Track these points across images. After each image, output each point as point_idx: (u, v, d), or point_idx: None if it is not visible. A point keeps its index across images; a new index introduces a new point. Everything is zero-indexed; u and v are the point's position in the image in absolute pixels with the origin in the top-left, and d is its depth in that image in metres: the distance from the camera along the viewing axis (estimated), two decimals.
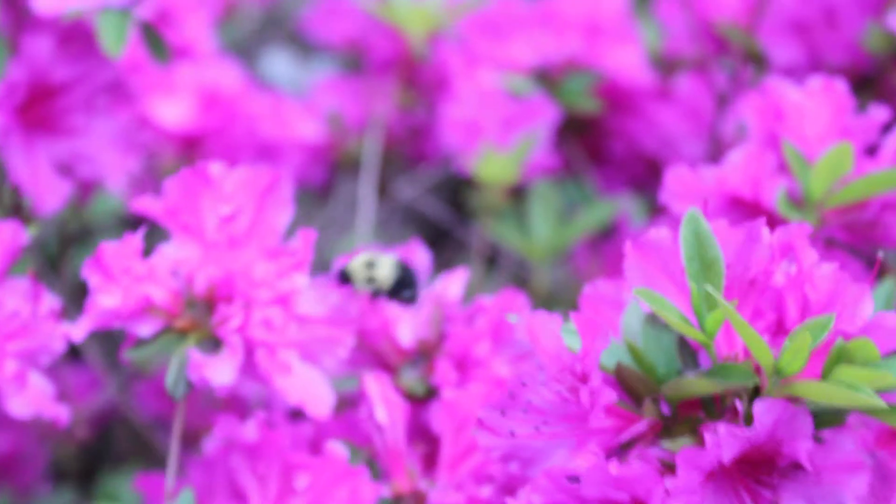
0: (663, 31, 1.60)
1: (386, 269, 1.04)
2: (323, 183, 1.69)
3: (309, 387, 0.97)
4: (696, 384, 0.81)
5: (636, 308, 0.86)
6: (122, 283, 0.96)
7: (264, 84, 1.84)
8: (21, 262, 1.28)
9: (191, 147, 1.63)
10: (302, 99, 1.73)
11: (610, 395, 0.81)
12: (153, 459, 1.47)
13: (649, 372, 0.84)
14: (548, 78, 1.51)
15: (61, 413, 1.04)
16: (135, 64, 1.47)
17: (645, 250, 0.86)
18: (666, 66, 1.58)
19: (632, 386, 0.84)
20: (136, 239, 0.97)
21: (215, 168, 1.00)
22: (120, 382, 1.46)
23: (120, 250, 0.96)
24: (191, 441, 1.33)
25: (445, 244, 1.72)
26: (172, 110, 1.62)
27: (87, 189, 1.49)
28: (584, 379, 0.82)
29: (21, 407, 1.01)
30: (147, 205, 0.99)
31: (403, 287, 1.05)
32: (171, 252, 0.99)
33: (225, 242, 0.98)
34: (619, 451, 0.83)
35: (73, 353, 1.44)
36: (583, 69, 1.51)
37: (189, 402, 0.98)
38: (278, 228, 1.00)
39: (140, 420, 1.43)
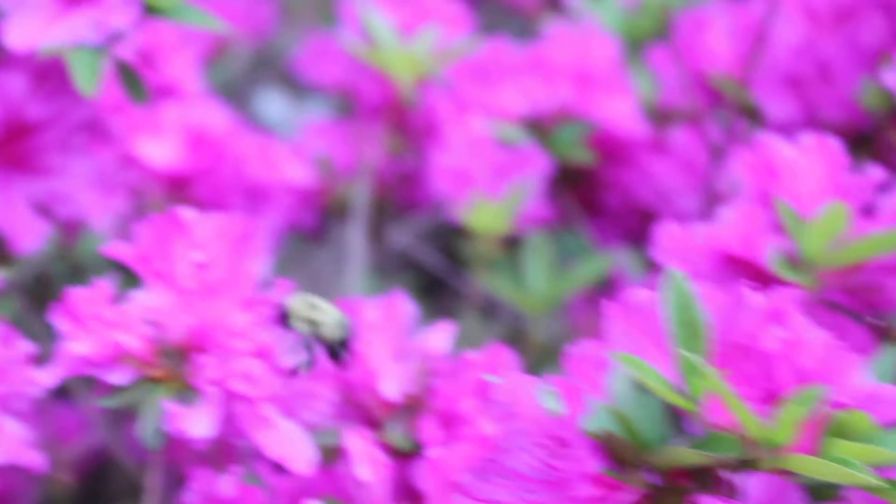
0: (656, 81, 1.58)
1: (331, 317, 1.01)
2: (314, 227, 1.67)
3: (289, 442, 0.95)
4: (684, 455, 0.78)
5: (622, 371, 0.83)
6: (92, 331, 0.93)
7: (257, 125, 1.82)
8: (1, 304, 1.26)
9: (178, 188, 1.61)
10: (292, 141, 1.71)
11: (593, 463, 0.78)
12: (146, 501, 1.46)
13: (636, 439, 0.81)
14: (539, 127, 1.50)
15: (37, 460, 1.01)
16: (118, 103, 1.45)
17: (627, 312, 0.83)
18: (659, 117, 1.57)
19: (618, 453, 0.81)
20: (107, 285, 0.95)
21: (188, 214, 0.97)
22: (109, 423, 1.44)
23: (90, 296, 0.94)
24: (182, 482, 1.31)
25: (440, 292, 1.70)
26: (158, 150, 1.60)
27: (72, 229, 1.48)
28: (566, 445, 0.80)
29: None
30: (118, 250, 0.97)
31: (344, 345, 1.02)
32: (143, 299, 0.96)
33: (199, 290, 0.96)
34: None
35: (63, 393, 1.42)
36: (575, 119, 1.49)
37: (178, 442, 0.96)
38: (253, 277, 0.98)
39: (131, 461, 1.41)
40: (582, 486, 0.79)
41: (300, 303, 1.00)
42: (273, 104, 2.18)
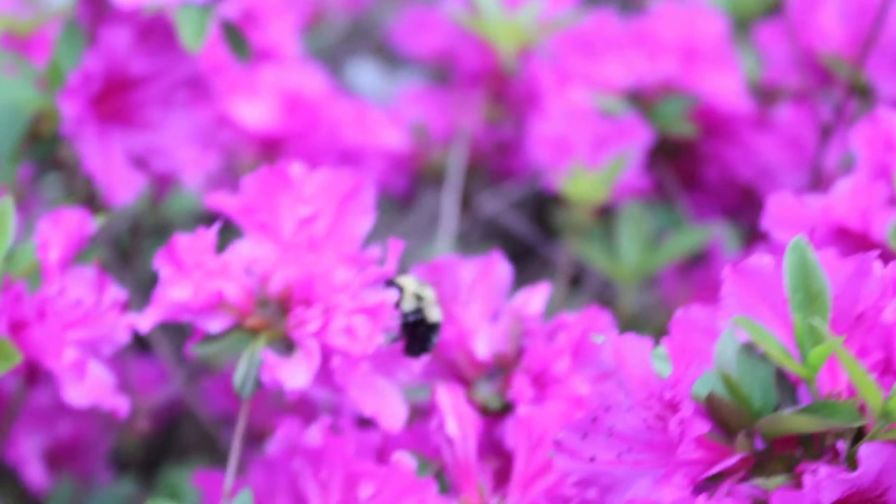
0: (762, 59, 1.56)
1: (434, 311, 0.99)
2: (404, 192, 1.66)
3: (384, 399, 0.94)
4: (796, 421, 0.76)
5: (731, 337, 0.81)
6: (193, 277, 0.92)
7: (349, 93, 1.81)
8: (90, 252, 1.26)
9: (271, 149, 1.61)
10: (387, 108, 1.70)
11: (701, 426, 0.76)
12: (217, 455, 1.45)
13: (744, 404, 0.79)
14: (641, 99, 1.47)
15: (120, 404, 1.01)
16: (217, 63, 1.45)
17: (745, 277, 0.81)
18: (763, 95, 1.54)
19: (724, 418, 0.79)
20: (211, 233, 0.94)
21: (295, 168, 0.97)
22: (187, 376, 1.44)
23: (193, 243, 0.93)
24: (255, 439, 1.31)
25: (528, 261, 1.68)
26: (254, 111, 1.60)
27: (163, 185, 1.47)
28: (673, 407, 0.78)
29: (79, 396, 0.98)
30: (223, 201, 0.96)
31: (427, 340, 0.99)
32: (245, 250, 0.96)
33: (303, 244, 0.94)
34: (707, 485, 0.78)
35: (142, 345, 1.42)
36: (679, 92, 1.46)
37: (255, 400, 0.95)
38: (358, 235, 0.97)
39: (206, 415, 1.40)
40: (687, 449, 0.77)
41: (412, 283, 0.99)
42: (366, 74, 2.16)
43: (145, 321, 0.93)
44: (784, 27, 1.48)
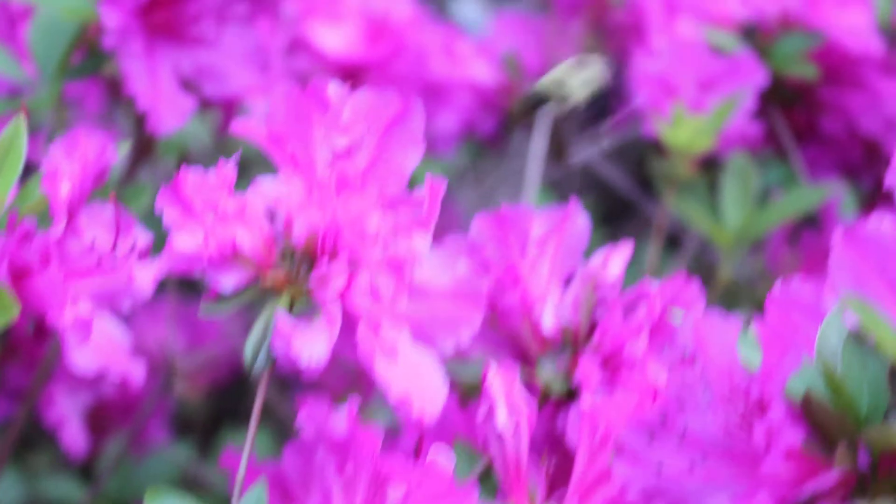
0: None
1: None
2: (493, 134, 1.54)
3: (417, 377, 0.78)
4: None
5: (838, 320, 0.69)
6: (204, 222, 0.78)
7: (453, 26, 1.70)
8: (137, 193, 1.13)
9: (352, 78, 1.51)
10: (481, 39, 1.58)
11: (794, 435, 0.63)
12: (279, 420, 1.35)
13: (848, 407, 0.67)
14: (757, 36, 1.34)
15: (134, 370, 0.88)
16: None
17: (860, 246, 0.68)
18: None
19: (823, 423, 0.67)
20: (229, 168, 0.79)
21: (333, 90, 0.81)
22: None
23: (206, 182, 0.79)
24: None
25: (625, 217, 1.56)
26: (335, 37, 1.51)
27: (229, 116, 1.36)
28: (761, 407, 0.66)
29: (84, 359, 0.84)
30: (248, 128, 0.82)
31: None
32: (269, 188, 0.81)
33: (336, 183, 0.79)
34: None
35: None
36: (800, 29, 1.32)
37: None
38: (404, 172, 0.81)
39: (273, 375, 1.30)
40: (775, 461, 0.64)
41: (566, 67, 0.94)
42: (471, 8, 2.06)
43: (146, 275, 0.80)
44: None
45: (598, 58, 0.90)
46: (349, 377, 1.28)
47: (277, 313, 0.77)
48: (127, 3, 1.06)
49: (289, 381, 1.33)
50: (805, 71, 1.30)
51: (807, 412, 0.66)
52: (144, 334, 1.38)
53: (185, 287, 1.35)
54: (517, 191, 1.53)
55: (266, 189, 0.81)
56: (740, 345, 0.67)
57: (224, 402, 1.48)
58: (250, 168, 1.51)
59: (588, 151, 1.50)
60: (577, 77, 0.89)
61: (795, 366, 0.65)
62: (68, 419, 1.24)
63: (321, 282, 0.78)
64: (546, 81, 0.89)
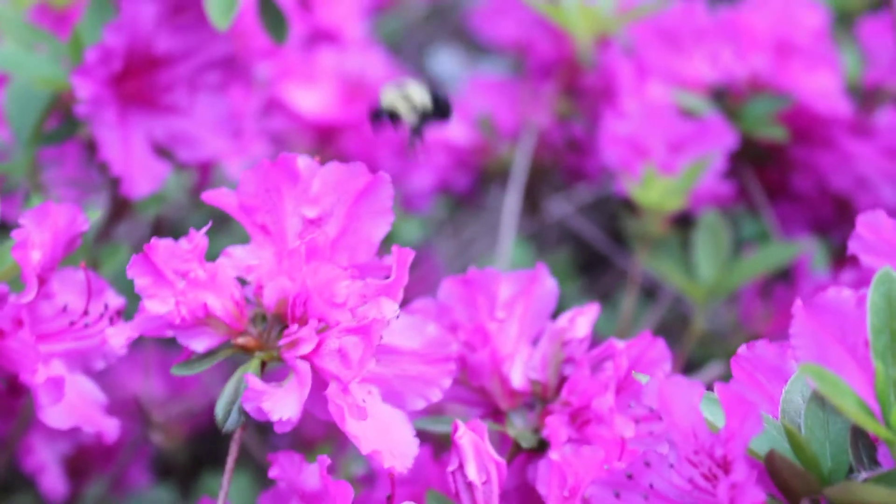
0: (865, 57, 1.42)
1: (418, 92, 0.96)
2: (468, 191, 1.54)
3: (387, 434, 0.79)
4: (873, 491, 0.64)
5: (801, 382, 0.70)
6: (175, 288, 0.79)
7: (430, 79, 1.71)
8: (113, 251, 1.14)
9: (326, 138, 1.51)
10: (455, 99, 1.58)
11: (757, 495, 0.63)
12: (257, 465, 1.35)
13: (811, 466, 0.68)
14: (727, 98, 1.35)
15: (108, 426, 0.89)
16: (271, 47, 1.34)
17: (820, 313, 0.69)
18: (864, 96, 1.40)
19: (787, 481, 0.68)
20: (198, 237, 0.80)
21: (302, 162, 0.83)
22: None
23: (174, 249, 0.79)
24: (306, 448, 1.21)
25: (601, 269, 1.56)
26: (310, 98, 1.52)
27: (205, 176, 1.37)
28: (725, 467, 0.66)
29: (58, 418, 0.85)
30: (220, 198, 0.83)
31: (442, 105, 0.99)
32: (241, 255, 0.82)
33: (306, 251, 0.80)
34: None
35: None
36: (770, 92, 1.33)
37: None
38: (373, 241, 0.83)
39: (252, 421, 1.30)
40: None
41: (394, 97, 0.97)
42: (447, 62, 2.07)
43: (119, 336, 0.81)
44: (890, 21, 1.33)
45: (413, 80, 0.96)
46: (327, 424, 1.28)
47: (248, 376, 0.77)
48: (99, 73, 1.05)
49: (268, 426, 1.33)
50: (774, 133, 1.31)
51: (771, 470, 0.67)
52: (125, 383, 1.38)
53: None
54: (494, 242, 1.54)
55: (238, 256, 0.82)
56: (707, 406, 0.68)
57: (204, 446, 1.47)
58: (227, 220, 1.53)
59: (562, 207, 1.51)
60: (405, 98, 0.94)
61: (758, 426, 0.65)
62: (47, 466, 1.24)
63: (291, 345, 0.79)
64: (393, 99, 0.96)
